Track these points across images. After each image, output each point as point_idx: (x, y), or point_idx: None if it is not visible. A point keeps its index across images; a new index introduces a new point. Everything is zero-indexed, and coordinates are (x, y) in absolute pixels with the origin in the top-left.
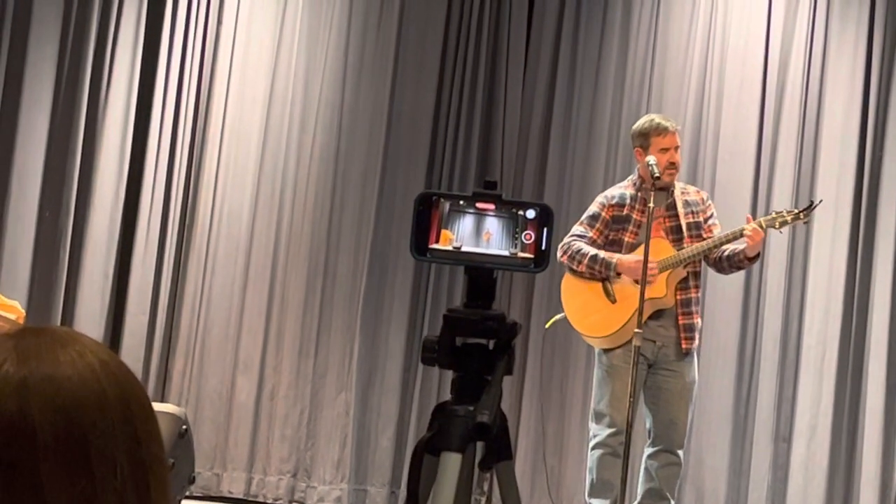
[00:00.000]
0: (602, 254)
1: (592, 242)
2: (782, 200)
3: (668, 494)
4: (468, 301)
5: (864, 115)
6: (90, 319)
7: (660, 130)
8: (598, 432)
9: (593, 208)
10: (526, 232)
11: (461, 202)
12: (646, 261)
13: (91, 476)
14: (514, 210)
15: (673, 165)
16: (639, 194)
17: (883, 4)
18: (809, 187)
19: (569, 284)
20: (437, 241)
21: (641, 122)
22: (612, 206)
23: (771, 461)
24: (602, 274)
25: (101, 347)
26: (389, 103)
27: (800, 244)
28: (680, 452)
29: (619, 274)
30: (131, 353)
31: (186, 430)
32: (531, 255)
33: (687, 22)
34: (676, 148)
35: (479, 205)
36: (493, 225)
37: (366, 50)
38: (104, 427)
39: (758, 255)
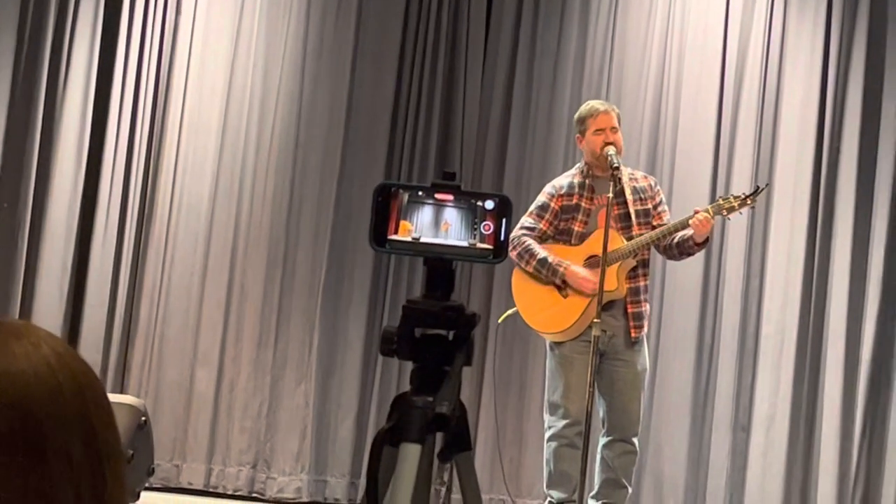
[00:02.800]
0: (551, 258)
1: (542, 234)
2: (741, 190)
3: (625, 482)
4: (427, 292)
5: (821, 105)
6: (48, 311)
7: (592, 112)
8: (554, 424)
9: (542, 199)
10: (485, 223)
11: (420, 193)
12: (605, 250)
13: (47, 468)
14: (472, 201)
15: (610, 146)
16: (587, 182)
17: None
18: (768, 177)
19: (519, 280)
20: (395, 233)
21: (580, 109)
22: (561, 195)
23: (730, 450)
24: (548, 279)
25: (57, 340)
26: (349, 94)
27: (758, 233)
28: (635, 440)
29: (564, 283)
30: (90, 344)
31: (146, 421)
32: (490, 246)
33: (646, 12)
34: (613, 129)
35: (437, 196)
36: (451, 216)
37: (325, 40)
38: (59, 420)
39: (707, 240)
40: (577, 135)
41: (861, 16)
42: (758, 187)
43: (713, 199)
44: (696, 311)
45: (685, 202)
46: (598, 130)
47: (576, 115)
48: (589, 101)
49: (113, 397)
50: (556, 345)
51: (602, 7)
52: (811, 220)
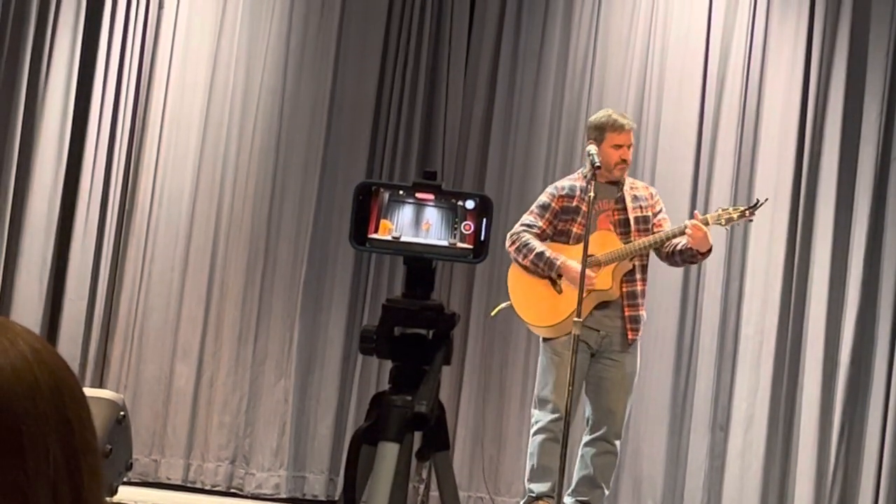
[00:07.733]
0: (548, 252)
1: (542, 232)
2: (721, 193)
3: (602, 483)
4: (407, 291)
5: (803, 108)
6: (28, 305)
7: (615, 127)
8: (541, 418)
9: (544, 198)
10: (465, 222)
11: (401, 192)
12: (585, 250)
13: (24, 464)
14: (453, 200)
15: (624, 162)
16: (589, 186)
17: None
18: (749, 180)
19: (516, 273)
20: (376, 231)
21: (599, 115)
22: (563, 196)
23: (708, 450)
24: (545, 273)
25: (34, 336)
26: (331, 91)
27: (739, 236)
28: (617, 443)
29: (560, 276)
30: (69, 338)
31: (124, 416)
32: (470, 246)
33: (628, 13)
34: (629, 146)
35: (418, 195)
36: (432, 215)
37: (307, 37)
38: (37, 416)
39: (710, 248)
40: (591, 140)
41: (843, 18)
42: (757, 201)
43: (694, 200)
44: (677, 311)
45: (666, 203)
46: (617, 146)
47: (593, 120)
48: (610, 111)
49: (91, 392)
50: (549, 341)
51: (585, 7)
52: (791, 223)
